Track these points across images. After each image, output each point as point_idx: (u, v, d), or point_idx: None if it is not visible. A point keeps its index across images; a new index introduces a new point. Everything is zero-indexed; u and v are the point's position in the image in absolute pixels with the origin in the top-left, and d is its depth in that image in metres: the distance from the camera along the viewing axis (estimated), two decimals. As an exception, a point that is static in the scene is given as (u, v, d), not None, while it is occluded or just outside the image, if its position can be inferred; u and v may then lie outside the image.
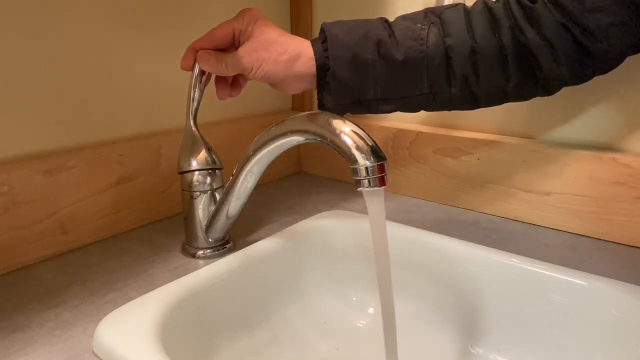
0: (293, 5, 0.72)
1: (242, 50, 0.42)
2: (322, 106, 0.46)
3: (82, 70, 0.48)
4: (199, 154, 0.45)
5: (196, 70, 0.45)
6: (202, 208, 0.46)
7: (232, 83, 0.47)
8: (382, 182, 0.33)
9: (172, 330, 0.35)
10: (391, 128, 0.64)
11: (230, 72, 0.44)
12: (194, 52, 0.44)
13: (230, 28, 0.43)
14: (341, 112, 0.47)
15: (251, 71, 0.43)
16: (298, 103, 0.75)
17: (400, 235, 0.49)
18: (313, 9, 0.72)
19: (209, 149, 0.46)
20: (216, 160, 0.46)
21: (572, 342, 0.40)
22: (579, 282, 0.40)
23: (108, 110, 0.51)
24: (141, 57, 0.53)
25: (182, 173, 0.45)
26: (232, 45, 0.44)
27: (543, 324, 0.42)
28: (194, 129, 0.46)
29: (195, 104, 0.45)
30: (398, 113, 0.66)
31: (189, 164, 0.45)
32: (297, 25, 0.72)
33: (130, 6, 0.51)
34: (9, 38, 0.43)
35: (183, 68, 0.45)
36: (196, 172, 0.45)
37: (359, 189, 0.33)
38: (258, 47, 0.42)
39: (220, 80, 0.46)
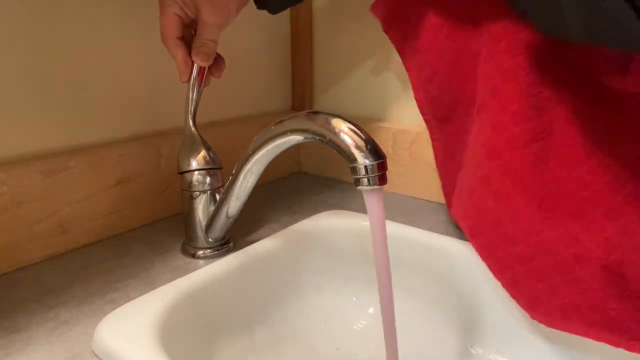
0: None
1: (207, 17, 0.43)
2: (261, 5, 0.47)
3: (82, 69, 0.48)
4: (199, 154, 0.45)
5: (194, 71, 0.45)
6: (202, 208, 0.46)
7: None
8: (381, 180, 0.33)
9: (172, 330, 0.35)
10: (391, 128, 0.64)
11: (218, 41, 0.44)
12: (188, 63, 0.44)
13: (172, 15, 0.43)
14: (284, 7, 0.49)
15: (228, 19, 0.44)
16: (298, 103, 0.75)
17: (400, 235, 0.49)
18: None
19: (208, 149, 0.46)
20: (216, 160, 0.46)
21: (572, 342, 0.40)
22: (579, 281, 0.40)
23: (108, 110, 0.51)
24: (141, 57, 0.53)
25: (181, 173, 0.45)
26: (189, 22, 0.44)
27: (543, 324, 0.42)
28: (193, 129, 0.46)
29: (194, 104, 0.46)
30: (398, 113, 0.66)
31: (189, 164, 0.45)
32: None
33: (131, 6, 0.51)
34: (8, 38, 0.43)
35: (185, 81, 0.45)
36: (196, 172, 0.45)
37: (359, 187, 0.33)
38: (212, 1, 0.42)
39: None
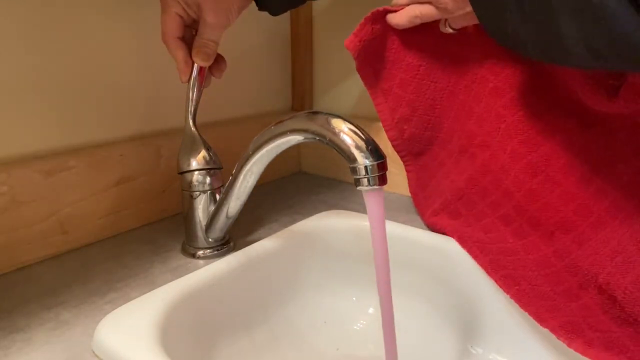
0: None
1: (209, 18, 0.43)
2: (262, 7, 0.47)
3: (82, 69, 0.48)
4: (199, 154, 0.45)
5: (195, 71, 0.45)
6: (202, 208, 0.46)
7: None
8: (381, 180, 0.33)
9: (172, 330, 0.35)
10: (391, 128, 0.64)
11: (219, 42, 0.44)
12: (188, 63, 0.44)
13: (174, 15, 0.43)
14: (285, 9, 0.49)
15: (230, 20, 0.44)
16: (298, 103, 0.75)
17: (400, 234, 0.49)
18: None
19: (208, 149, 0.46)
20: (216, 160, 0.46)
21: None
22: (579, 281, 0.40)
23: (108, 110, 0.51)
24: (142, 57, 0.53)
25: (181, 173, 0.45)
26: (190, 22, 0.44)
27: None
28: (193, 129, 0.46)
29: (194, 104, 0.46)
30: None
31: (189, 164, 0.45)
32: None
33: (132, 7, 0.51)
34: (8, 37, 0.43)
35: (185, 81, 0.45)
36: (196, 172, 0.45)
37: (359, 187, 0.33)
38: (214, 1, 0.42)
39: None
